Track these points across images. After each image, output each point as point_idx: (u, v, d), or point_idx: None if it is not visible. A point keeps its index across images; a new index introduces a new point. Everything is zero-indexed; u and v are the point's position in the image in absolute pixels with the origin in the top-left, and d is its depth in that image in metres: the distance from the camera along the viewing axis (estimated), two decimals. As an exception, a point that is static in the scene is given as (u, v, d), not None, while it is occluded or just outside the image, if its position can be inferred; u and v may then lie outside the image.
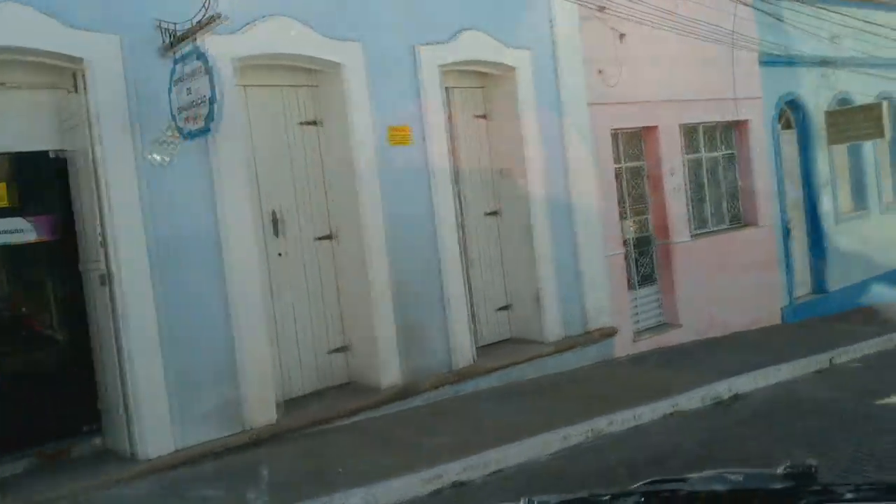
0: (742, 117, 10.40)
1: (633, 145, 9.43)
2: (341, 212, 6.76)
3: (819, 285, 11.58)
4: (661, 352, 8.85)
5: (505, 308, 8.15)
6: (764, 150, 10.67)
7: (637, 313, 9.16)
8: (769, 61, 10.78)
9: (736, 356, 8.52)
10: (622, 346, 8.56)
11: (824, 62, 11.57)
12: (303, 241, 6.70)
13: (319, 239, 6.78)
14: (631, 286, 9.12)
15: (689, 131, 10.02)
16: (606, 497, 1.33)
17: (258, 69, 6.44)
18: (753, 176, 10.57)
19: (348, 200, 6.68)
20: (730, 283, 9.63)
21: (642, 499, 1.31)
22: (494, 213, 8.12)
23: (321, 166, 6.80)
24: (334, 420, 6.24)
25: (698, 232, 9.96)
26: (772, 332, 10.19)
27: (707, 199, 10.26)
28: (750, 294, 10.07)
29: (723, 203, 10.52)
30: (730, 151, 10.64)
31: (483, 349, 7.68)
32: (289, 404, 6.37)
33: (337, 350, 6.82)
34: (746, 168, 10.60)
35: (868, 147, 12.48)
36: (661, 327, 9.38)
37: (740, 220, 10.64)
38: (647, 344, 8.93)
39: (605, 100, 8.60)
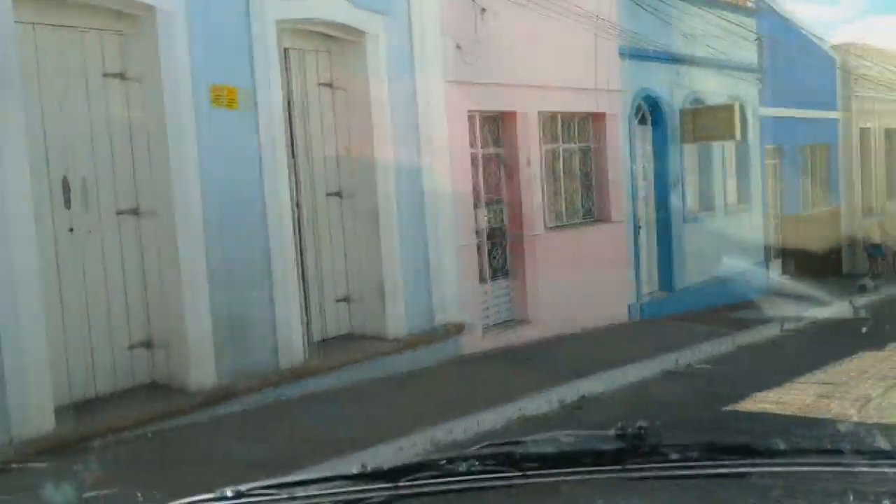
0: (601, 109, 10.15)
1: (491, 130, 8.89)
2: (151, 182, 5.73)
3: (667, 283, 11.60)
4: (510, 350, 8.39)
5: (345, 300, 7.39)
6: (620, 144, 10.48)
7: (487, 308, 8.66)
8: (630, 54, 10.59)
9: (584, 356, 8.20)
10: (471, 344, 8.01)
11: (680, 60, 11.57)
12: (102, 214, 5.62)
13: (122, 213, 5.72)
14: (482, 279, 8.59)
15: (549, 120, 9.63)
16: (443, 461, 1.35)
17: (49, 4, 5.31)
18: (609, 171, 10.36)
19: (159, 169, 5.67)
20: (581, 279, 9.33)
21: (477, 461, 1.34)
22: (338, 194, 7.32)
23: (129, 127, 5.73)
24: (131, 428, 5.26)
25: (553, 225, 9.60)
26: (620, 330, 10.02)
27: (563, 192, 9.93)
28: (600, 291, 9.84)
29: (577, 197, 10.24)
30: (587, 144, 10.36)
31: (319, 345, 6.89)
32: (77, 409, 5.32)
33: (140, 345, 5.80)
34: (602, 162, 10.38)
35: (716, 148, 12.67)
36: (511, 323, 8.94)
37: (594, 214, 10.41)
38: (497, 341, 8.45)
39: (463, 78, 8.00)
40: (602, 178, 10.38)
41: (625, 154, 10.58)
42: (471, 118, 8.37)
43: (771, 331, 10.62)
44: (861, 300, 13.71)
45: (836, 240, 17.76)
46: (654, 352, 8.30)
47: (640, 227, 10.91)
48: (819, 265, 16.77)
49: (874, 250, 18.65)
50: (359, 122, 7.19)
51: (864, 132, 19.09)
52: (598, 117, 10.27)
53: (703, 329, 10.05)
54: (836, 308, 12.60)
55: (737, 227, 13.20)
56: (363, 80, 7.10)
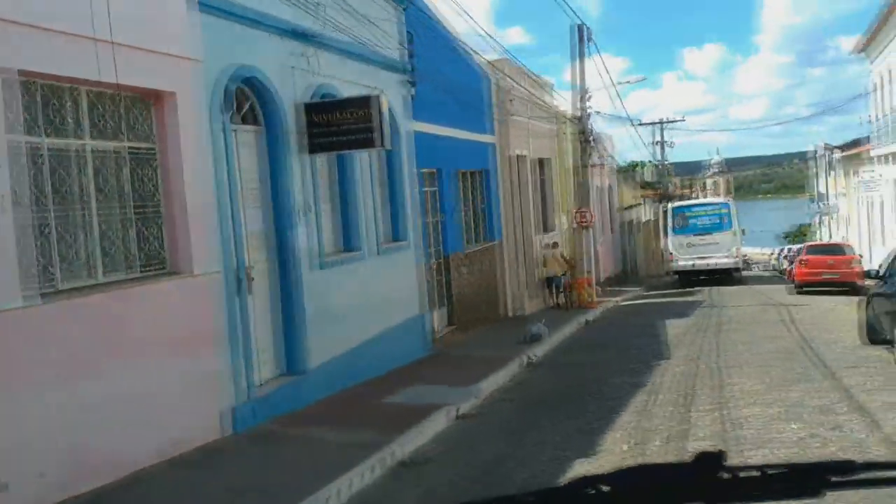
0: (161, 86, 6.05)
1: None
2: None
3: (293, 362, 7.76)
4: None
5: None
6: (201, 148, 6.45)
7: None
8: (216, 7, 6.69)
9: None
10: None
11: (304, 35, 7.97)
12: None
13: None
14: None
15: (40, 93, 5.27)
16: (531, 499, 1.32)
17: None
18: (184, 190, 6.26)
19: None
20: (116, 382, 5.07)
21: (572, 494, 1.33)
22: None
23: None
24: None
25: (52, 290, 5.18)
26: (204, 468, 5.86)
27: (88, 225, 5.61)
28: (166, 395, 5.65)
29: (120, 233, 6.00)
30: (144, 145, 6.18)
31: None
32: None
33: None
34: (172, 176, 6.25)
35: (362, 167, 9.30)
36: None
37: (159, 263, 6.21)
38: None
39: None
40: (172, 203, 6.25)
41: (211, 165, 6.57)
42: None
43: (440, 422, 7.30)
44: (535, 351, 11.31)
45: (502, 279, 15.64)
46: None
47: (243, 280, 6.95)
48: (488, 309, 14.43)
49: (554, 281, 17.91)
50: None
51: (519, 160, 17.47)
52: (159, 99, 6.15)
53: (344, 440, 6.36)
54: (510, 369, 9.87)
55: (389, 272, 9.92)
56: None
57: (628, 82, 18.43)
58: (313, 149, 7.95)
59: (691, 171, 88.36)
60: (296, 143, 7.86)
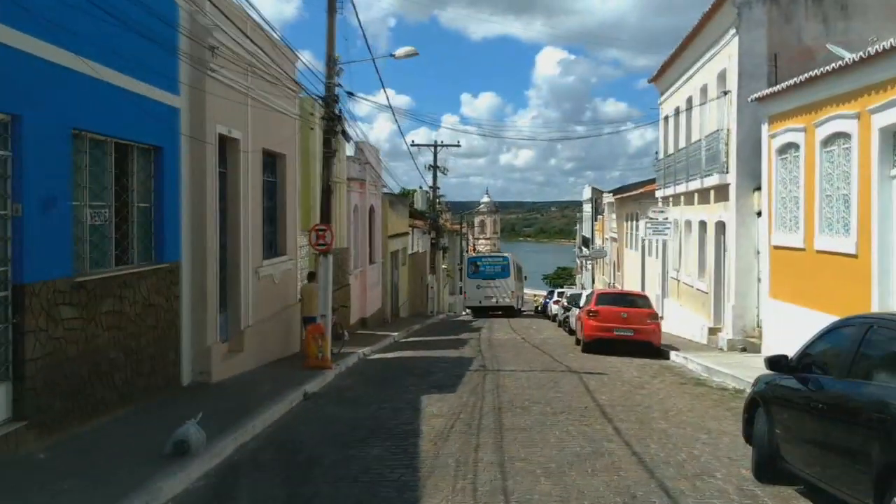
0: None
1: None
2: None
3: None
4: None
5: None
6: None
7: None
8: None
9: None
10: None
11: None
12: None
13: None
14: None
15: None
16: None
17: None
18: None
19: None
20: None
21: None
22: None
23: None
24: None
25: None
26: None
27: None
28: None
29: None
30: None
31: None
32: None
33: None
34: None
35: None
36: None
37: None
38: None
39: None
40: None
41: None
42: None
43: None
44: (175, 482, 5.73)
45: (173, 325, 9.71)
46: None
47: None
48: (136, 377, 8.38)
49: (309, 321, 13.81)
50: None
51: (229, 143, 11.77)
52: None
53: None
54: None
55: None
56: None
57: (394, 55, 13.11)
58: None
59: (464, 209, 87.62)
60: None
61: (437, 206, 44.95)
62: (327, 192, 12.89)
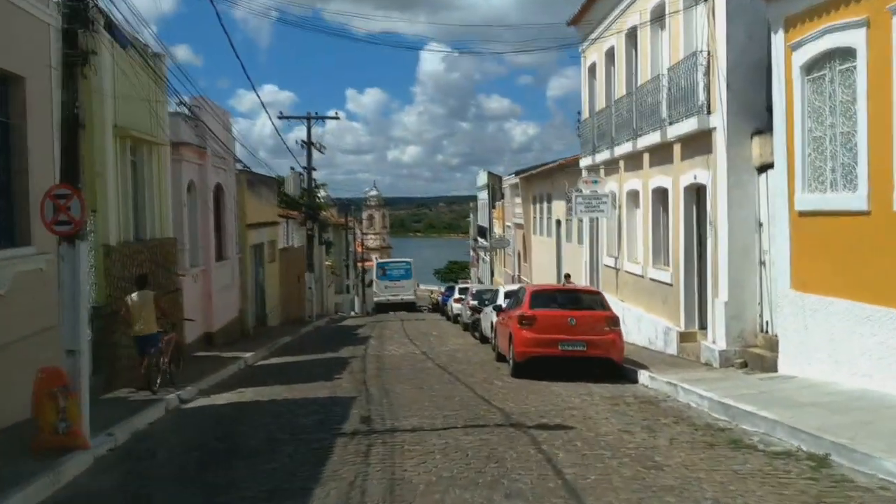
0: None
1: None
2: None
3: None
4: None
5: None
6: None
7: None
8: None
9: None
10: None
11: None
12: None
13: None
14: None
15: None
16: None
17: None
18: None
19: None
20: None
21: None
22: None
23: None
24: None
25: None
26: None
27: None
28: None
29: None
30: None
31: None
32: None
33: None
34: None
35: None
36: None
37: None
38: None
39: None
40: None
41: None
42: None
43: None
44: None
45: None
46: None
47: None
48: None
49: (145, 343, 10.14)
50: None
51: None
52: None
53: None
54: None
55: None
56: None
57: None
58: None
59: (349, 206, 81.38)
60: None
61: (318, 197, 39.04)
62: (72, 129, 7.04)
